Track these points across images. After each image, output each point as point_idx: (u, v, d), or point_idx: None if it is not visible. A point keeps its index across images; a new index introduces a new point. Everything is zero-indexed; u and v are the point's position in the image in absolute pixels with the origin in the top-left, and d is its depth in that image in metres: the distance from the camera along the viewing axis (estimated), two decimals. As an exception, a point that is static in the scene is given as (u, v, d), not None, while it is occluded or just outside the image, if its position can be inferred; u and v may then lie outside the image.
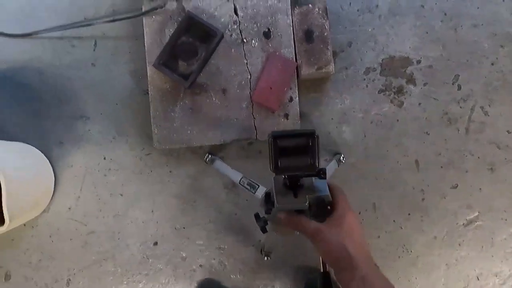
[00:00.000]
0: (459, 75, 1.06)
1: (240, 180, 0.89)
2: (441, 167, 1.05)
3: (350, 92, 1.05)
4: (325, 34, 1.01)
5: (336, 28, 1.06)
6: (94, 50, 1.04)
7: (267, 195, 0.58)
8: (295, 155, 0.49)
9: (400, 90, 1.06)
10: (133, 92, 1.04)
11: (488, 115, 1.06)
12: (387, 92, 1.06)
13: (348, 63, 1.06)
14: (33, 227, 1.02)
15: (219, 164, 1.00)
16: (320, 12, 1.01)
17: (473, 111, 1.06)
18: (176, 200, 1.04)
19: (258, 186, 0.81)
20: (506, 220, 1.05)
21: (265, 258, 1.01)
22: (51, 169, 1.00)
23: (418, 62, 1.06)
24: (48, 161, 1.00)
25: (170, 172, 1.04)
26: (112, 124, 1.04)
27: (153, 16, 0.99)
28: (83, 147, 1.04)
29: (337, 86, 1.05)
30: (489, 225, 1.05)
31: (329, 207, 0.49)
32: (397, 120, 1.05)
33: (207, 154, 1.02)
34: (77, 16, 1.03)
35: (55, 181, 1.01)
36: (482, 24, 1.06)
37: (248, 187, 0.84)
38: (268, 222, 0.63)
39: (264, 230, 0.64)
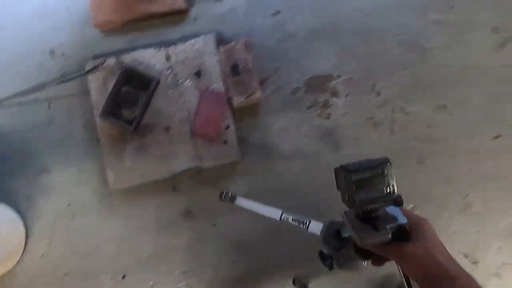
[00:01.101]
0: (376, 83, 1.18)
1: (281, 217, 0.78)
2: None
3: (282, 112, 1.17)
4: (249, 66, 1.14)
5: (263, 57, 1.18)
6: (49, 110, 1.16)
7: (337, 232, 0.58)
8: (371, 187, 0.47)
9: (326, 104, 1.18)
10: (89, 142, 1.16)
11: (408, 114, 1.17)
12: (314, 107, 1.17)
13: (276, 87, 1.18)
14: (10, 277, 1.12)
15: (244, 202, 0.87)
16: (243, 47, 1.14)
17: (394, 113, 1.17)
18: (141, 231, 1.14)
19: (309, 221, 0.72)
20: (441, 206, 1.14)
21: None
22: (21, 222, 1.11)
23: (339, 76, 1.18)
24: (17, 215, 1.10)
25: (132, 207, 1.15)
26: (74, 173, 1.16)
27: (96, 73, 1.13)
28: (49, 197, 1.14)
29: (269, 109, 1.17)
30: (426, 213, 1.14)
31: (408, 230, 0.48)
32: (328, 131, 1.17)
33: (223, 192, 0.86)
34: (30, 82, 1.16)
35: (26, 232, 1.11)
36: (389, 36, 1.19)
37: (296, 224, 0.74)
38: (334, 259, 0.62)
39: (331, 268, 0.62)
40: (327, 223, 0.60)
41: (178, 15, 1.18)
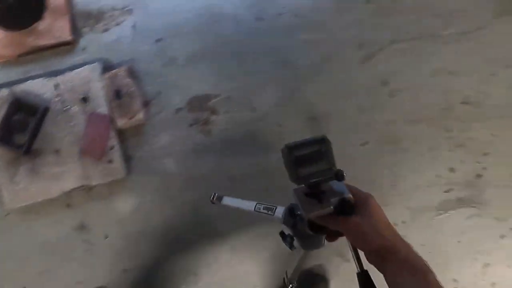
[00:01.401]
0: (252, 100, 1.29)
1: (255, 207, 0.84)
2: (253, 178, 1.25)
3: (167, 131, 1.28)
4: (131, 90, 1.25)
5: (147, 81, 1.29)
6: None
7: (290, 210, 0.60)
8: (311, 162, 0.50)
9: (206, 122, 1.28)
10: (-11, 165, 1.26)
11: (283, 127, 1.28)
12: (196, 125, 1.28)
13: (160, 108, 1.29)
14: None
15: (228, 200, 0.96)
16: (125, 73, 1.25)
17: (270, 127, 1.28)
18: (39, 247, 1.24)
19: (276, 207, 0.78)
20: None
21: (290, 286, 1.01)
22: None
23: (217, 96, 1.29)
24: None
25: (30, 225, 1.24)
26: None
27: (-9, 103, 1.23)
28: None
29: (154, 128, 1.28)
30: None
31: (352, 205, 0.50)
32: (208, 146, 1.27)
33: (212, 194, 0.94)
34: None
35: None
36: (262, 56, 1.30)
37: (265, 211, 0.79)
38: (295, 238, 0.64)
39: (291, 247, 0.65)
40: (288, 205, 0.63)
41: (67, 46, 1.29)
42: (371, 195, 0.52)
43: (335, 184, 0.53)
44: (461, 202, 1.24)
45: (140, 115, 1.24)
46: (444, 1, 1.36)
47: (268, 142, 1.27)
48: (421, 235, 1.20)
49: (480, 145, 1.26)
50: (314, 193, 0.52)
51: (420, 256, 0.47)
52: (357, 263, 0.53)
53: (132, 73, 1.26)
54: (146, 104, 1.28)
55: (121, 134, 1.26)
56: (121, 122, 1.23)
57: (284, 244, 0.66)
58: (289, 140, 1.26)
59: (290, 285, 1.02)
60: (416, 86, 1.30)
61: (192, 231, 1.23)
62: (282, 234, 0.66)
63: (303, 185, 0.52)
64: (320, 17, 1.33)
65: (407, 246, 0.48)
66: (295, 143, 0.50)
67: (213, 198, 0.93)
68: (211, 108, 1.29)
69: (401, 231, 0.49)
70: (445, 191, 1.24)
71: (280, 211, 0.71)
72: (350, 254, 0.55)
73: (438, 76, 1.30)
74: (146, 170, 1.26)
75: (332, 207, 0.50)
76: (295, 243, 0.65)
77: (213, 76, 1.30)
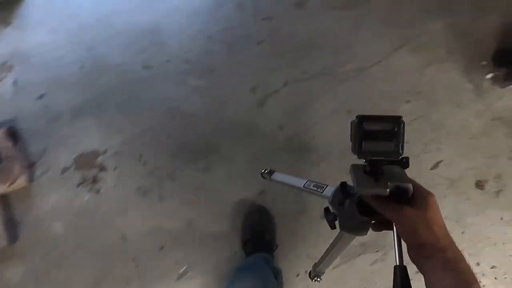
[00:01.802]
0: (142, 154, 1.23)
1: (305, 184, 0.85)
2: (144, 235, 1.20)
3: (54, 192, 1.22)
4: (10, 153, 1.18)
5: (31, 141, 1.23)
6: None
7: (342, 186, 0.58)
8: (380, 140, 0.48)
9: (95, 180, 1.22)
10: None
11: (176, 182, 1.22)
12: (84, 183, 1.22)
13: (46, 168, 1.23)
14: None
15: (279, 176, 0.99)
16: (4, 135, 1.19)
17: (162, 181, 1.22)
18: None
19: (326, 186, 0.77)
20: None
21: (315, 280, 0.96)
22: None
23: (105, 151, 1.23)
24: None
25: None
26: None
27: None
28: None
29: (41, 189, 1.22)
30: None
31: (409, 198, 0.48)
32: (98, 205, 1.21)
33: (264, 169, 0.99)
34: None
35: None
36: (154, 105, 1.24)
37: (315, 189, 0.79)
38: (338, 218, 0.62)
39: (332, 226, 0.62)
40: (338, 185, 0.60)
41: None
42: (433, 193, 0.49)
43: (396, 169, 0.51)
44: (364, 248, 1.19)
45: (22, 179, 1.18)
46: (338, 37, 1.29)
47: (161, 195, 1.21)
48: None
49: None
50: (373, 172, 0.50)
51: (468, 264, 0.45)
52: (397, 256, 0.50)
53: (13, 134, 1.20)
54: (30, 165, 1.22)
55: (5, 200, 1.20)
56: (1, 188, 1.17)
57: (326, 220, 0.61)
58: (185, 192, 1.15)
59: (315, 278, 0.94)
60: (313, 127, 1.24)
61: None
62: (326, 210, 0.62)
63: (363, 161, 0.50)
64: (210, 61, 1.27)
65: (456, 250, 0.46)
66: (369, 115, 0.47)
67: (264, 171, 0.99)
68: (100, 165, 1.23)
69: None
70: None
71: (329, 190, 0.69)
72: None
73: (336, 115, 1.24)
74: (36, 235, 1.20)
75: (388, 190, 0.47)
76: (337, 223, 0.62)
77: (100, 131, 1.24)
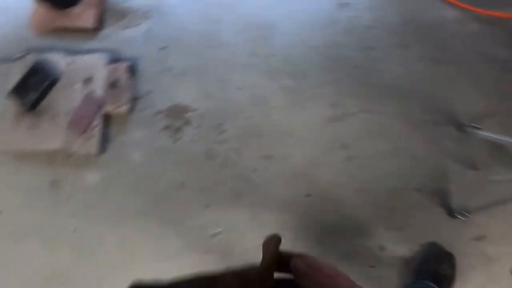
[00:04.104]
0: (222, 123, 1.42)
1: None
2: (199, 190, 1.39)
3: (143, 127, 1.45)
4: (125, 84, 1.44)
5: (141, 80, 1.48)
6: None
7: None
8: None
9: (178, 129, 1.44)
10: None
11: (241, 155, 1.40)
12: (168, 129, 1.44)
13: (144, 106, 1.47)
14: None
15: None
16: (125, 69, 1.45)
17: (230, 152, 1.40)
18: (13, 187, 1.49)
19: None
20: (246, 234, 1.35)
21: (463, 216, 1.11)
22: None
23: (195, 110, 1.44)
24: None
25: (11, 169, 1.50)
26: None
27: (19, 62, 1.50)
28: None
29: (134, 121, 1.46)
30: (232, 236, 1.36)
31: None
32: (172, 152, 1.43)
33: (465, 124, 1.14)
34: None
35: None
36: (242, 87, 1.42)
37: None
38: None
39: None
40: None
41: (89, 32, 1.52)
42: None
43: None
44: None
45: (124, 108, 1.43)
46: (426, 87, 1.36)
47: (224, 163, 1.39)
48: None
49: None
50: None
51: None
52: None
53: (132, 70, 1.45)
54: (135, 99, 1.47)
55: (107, 119, 1.46)
56: (109, 109, 1.43)
57: None
58: (245, 167, 1.31)
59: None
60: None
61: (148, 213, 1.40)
62: None
63: None
64: (306, 68, 1.41)
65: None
66: None
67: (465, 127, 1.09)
68: (186, 119, 1.44)
69: None
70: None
71: None
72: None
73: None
74: (117, 155, 1.45)
75: None
76: None
77: (197, 92, 1.45)
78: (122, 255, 1.31)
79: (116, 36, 1.52)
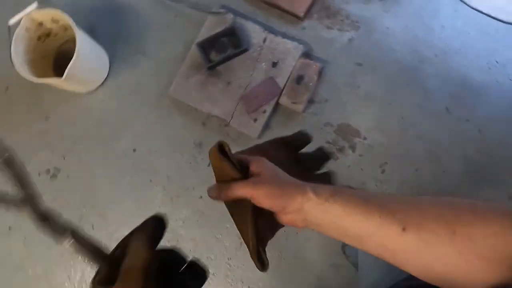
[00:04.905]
0: (387, 163, 1.37)
1: None
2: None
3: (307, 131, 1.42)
4: (310, 84, 1.40)
5: (323, 86, 1.43)
6: (174, 18, 1.55)
7: None
8: None
9: (340, 150, 1.40)
10: (179, 54, 1.52)
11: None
12: (332, 145, 1.40)
13: (316, 112, 1.43)
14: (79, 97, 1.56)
15: None
16: (315, 69, 1.40)
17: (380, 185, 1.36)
18: (166, 131, 1.50)
19: None
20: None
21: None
22: (108, 63, 1.54)
23: (365, 138, 1.39)
24: (107, 56, 1.53)
25: (172, 114, 1.50)
26: (156, 66, 1.54)
27: (215, 17, 1.47)
28: (131, 69, 1.55)
29: (301, 122, 1.43)
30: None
31: None
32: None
33: None
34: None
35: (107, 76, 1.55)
36: (423, 138, 1.36)
37: None
38: None
39: None
40: None
41: (295, 18, 1.47)
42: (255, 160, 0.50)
43: None
44: None
45: (300, 107, 1.39)
46: None
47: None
48: None
49: None
50: None
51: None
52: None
53: (320, 72, 1.41)
54: (310, 101, 1.43)
55: (276, 108, 1.43)
56: (284, 101, 1.40)
57: None
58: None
59: None
60: None
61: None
62: None
63: None
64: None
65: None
66: None
67: None
68: (352, 144, 1.40)
69: None
70: None
71: None
72: None
73: None
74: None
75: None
76: None
77: (372, 121, 1.39)
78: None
79: (316, 32, 1.47)
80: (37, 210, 0.39)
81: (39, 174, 1.54)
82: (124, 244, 0.38)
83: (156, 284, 0.35)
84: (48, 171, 1.54)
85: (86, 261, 0.38)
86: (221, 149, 0.47)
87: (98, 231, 1.47)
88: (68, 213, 1.47)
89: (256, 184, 0.43)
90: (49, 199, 1.52)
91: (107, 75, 1.56)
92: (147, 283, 0.34)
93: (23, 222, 1.45)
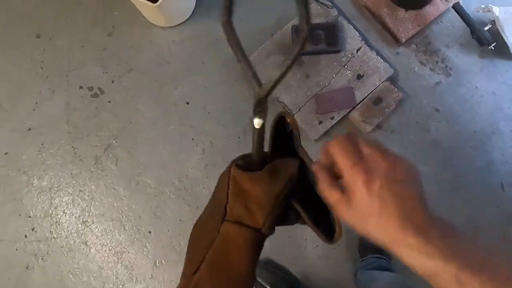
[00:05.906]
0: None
1: None
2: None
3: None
4: (386, 110, 1.36)
5: (396, 116, 1.40)
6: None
7: None
8: None
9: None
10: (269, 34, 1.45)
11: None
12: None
13: (381, 140, 1.39)
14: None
15: None
16: (396, 98, 1.37)
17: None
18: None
19: None
20: None
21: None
22: (194, 5, 1.46)
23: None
24: None
25: (239, 84, 1.43)
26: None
27: (318, 7, 1.42)
28: (216, 23, 1.47)
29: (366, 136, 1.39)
30: None
31: None
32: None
33: None
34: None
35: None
36: (470, 204, 1.35)
37: None
38: None
39: None
40: None
41: (394, 40, 1.43)
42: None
43: None
44: None
45: (368, 127, 1.35)
46: None
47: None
48: None
49: None
50: None
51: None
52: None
53: (398, 103, 1.37)
54: (378, 126, 1.39)
55: (345, 120, 1.39)
56: (354, 115, 1.36)
57: None
58: None
59: None
60: None
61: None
62: None
63: None
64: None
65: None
66: None
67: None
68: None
69: None
70: None
71: None
72: None
73: None
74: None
75: None
76: None
77: (431, 167, 1.37)
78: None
79: (409, 62, 1.43)
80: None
81: (80, 87, 1.44)
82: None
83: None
84: (91, 88, 1.44)
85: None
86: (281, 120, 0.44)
87: (120, 168, 1.39)
88: (95, 139, 1.39)
89: (349, 205, 0.36)
90: (80, 117, 1.43)
91: (187, 19, 1.47)
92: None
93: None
